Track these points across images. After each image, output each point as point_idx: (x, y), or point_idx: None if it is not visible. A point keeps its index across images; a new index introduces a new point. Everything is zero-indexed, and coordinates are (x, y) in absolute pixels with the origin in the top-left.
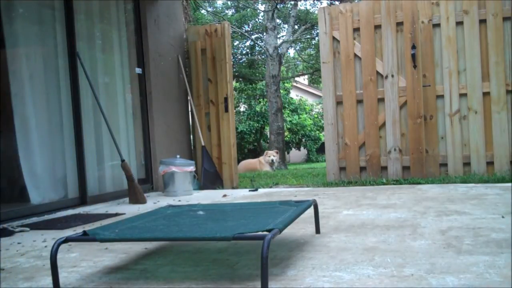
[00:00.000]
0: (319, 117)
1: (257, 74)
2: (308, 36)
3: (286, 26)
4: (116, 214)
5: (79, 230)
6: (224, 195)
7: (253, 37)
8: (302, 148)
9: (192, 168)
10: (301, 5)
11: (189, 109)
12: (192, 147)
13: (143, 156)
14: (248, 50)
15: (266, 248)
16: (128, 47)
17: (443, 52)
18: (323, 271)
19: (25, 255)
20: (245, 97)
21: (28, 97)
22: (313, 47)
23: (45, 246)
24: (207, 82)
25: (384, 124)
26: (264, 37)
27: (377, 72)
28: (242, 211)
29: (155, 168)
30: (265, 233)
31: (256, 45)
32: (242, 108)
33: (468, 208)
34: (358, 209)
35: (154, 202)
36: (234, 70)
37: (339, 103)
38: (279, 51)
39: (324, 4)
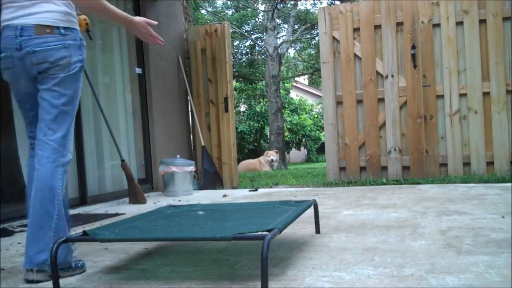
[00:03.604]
0: (319, 117)
1: (257, 74)
2: (308, 36)
3: (286, 26)
4: (116, 214)
5: (79, 230)
6: (224, 195)
7: (253, 37)
8: (302, 148)
9: (192, 168)
10: (301, 5)
11: (189, 109)
12: (192, 147)
13: (143, 156)
14: (248, 50)
15: (266, 248)
16: (128, 47)
17: (443, 52)
18: (323, 271)
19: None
20: (245, 97)
21: None
22: (313, 47)
23: None
24: (207, 82)
25: (384, 124)
26: (264, 37)
27: (377, 72)
28: (242, 211)
29: (155, 168)
30: (265, 233)
31: (256, 45)
32: (242, 108)
33: (468, 208)
34: (358, 209)
35: (154, 202)
36: (234, 70)
37: (339, 103)
38: (279, 51)
39: (324, 4)
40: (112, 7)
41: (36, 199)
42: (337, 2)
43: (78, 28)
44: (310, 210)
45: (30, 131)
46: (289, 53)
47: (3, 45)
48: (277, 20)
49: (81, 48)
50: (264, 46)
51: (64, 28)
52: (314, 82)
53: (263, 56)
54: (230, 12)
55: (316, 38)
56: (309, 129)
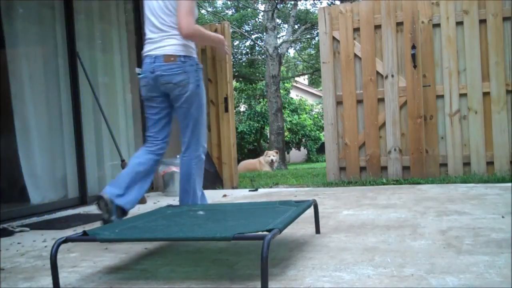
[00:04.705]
0: (319, 117)
1: (257, 74)
2: (308, 36)
3: (286, 26)
4: None
5: (79, 230)
6: (224, 195)
7: (253, 37)
8: (302, 148)
9: None
10: (301, 5)
11: None
12: None
13: None
14: (248, 50)
15: (266, 248)
16: (128, 47)
17: (443, 52)
18: (323, 271)
19: (25, 255)
20: (245, 97)
21: (28, 97)
22: (313, 47)
23: (45, 246)
24: (207, 82)
25: (384, 124)
26: (264, 37)
27: (377, 72)
28: (242, 211)
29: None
30: (265, 233)
31: (256, 45)
32: (242, 108)
33: (468, 208)
34: (358, 209)
35: (154, 202)
36: (234, 70)
37: (339, 103)
38: (279, 51)
39: (324, 4)
40: (212, 35)
41: (180, 183)
42: (337, 2)
43: (195, 55)
44: (310, 210)
45: (150, 131)
46: (289, 53)
47: (143, 68)
48: (277, 20)
49: (197, 71)
50: (264, 46)
51: (184, 56)
52: (314, 82)
53: (263, 56)
54: (230, 12)
55: (316, 38)
56: (309, 129)
